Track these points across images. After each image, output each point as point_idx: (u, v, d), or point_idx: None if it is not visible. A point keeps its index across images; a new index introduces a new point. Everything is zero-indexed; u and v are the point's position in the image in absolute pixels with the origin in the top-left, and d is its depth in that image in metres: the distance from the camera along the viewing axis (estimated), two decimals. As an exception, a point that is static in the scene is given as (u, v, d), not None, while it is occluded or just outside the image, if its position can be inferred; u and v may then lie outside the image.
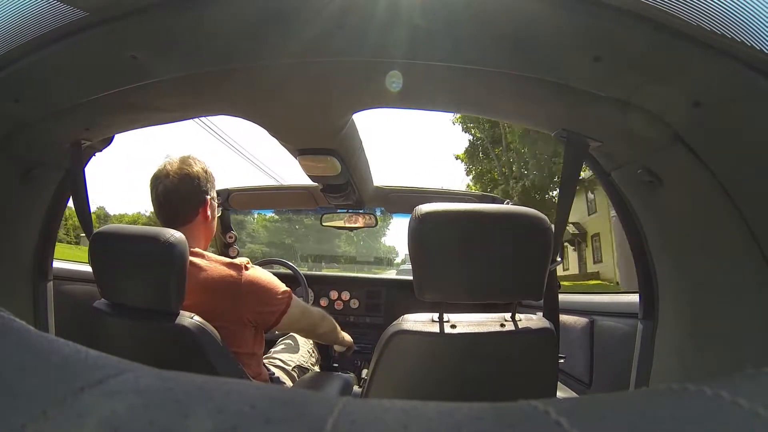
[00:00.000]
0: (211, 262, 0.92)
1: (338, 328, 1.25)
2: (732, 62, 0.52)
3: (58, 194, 1.10)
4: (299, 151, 1.12)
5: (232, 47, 0.67)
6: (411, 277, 0.72)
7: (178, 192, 0.95)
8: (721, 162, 0.65)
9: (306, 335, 1.37)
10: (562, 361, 0.82)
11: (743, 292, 0.67)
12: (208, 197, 0.99)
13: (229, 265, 0.92)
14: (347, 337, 1.33)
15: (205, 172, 1.00)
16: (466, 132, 14.81)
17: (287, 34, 0.63)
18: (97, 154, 1.07)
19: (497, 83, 0.71)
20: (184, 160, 0.98)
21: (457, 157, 15.11)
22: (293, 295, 0.99)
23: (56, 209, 1.11)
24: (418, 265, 0.69)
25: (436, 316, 0.73)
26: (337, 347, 1.38)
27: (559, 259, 0.84)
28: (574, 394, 1.26)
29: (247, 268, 0.92)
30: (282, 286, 0.97)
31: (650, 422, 0.13)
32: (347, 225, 1.95)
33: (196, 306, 0.84)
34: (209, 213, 1.00)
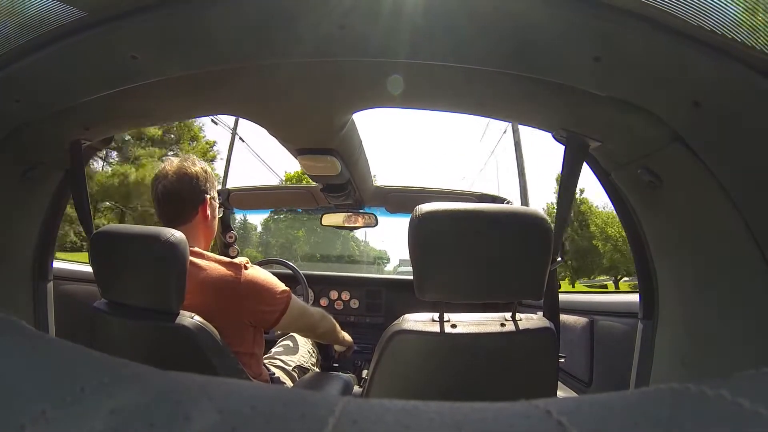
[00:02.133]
0: (210, 262, 0.92)
1: (338, 327, 1.25)
2: (732, 62, 0.52)
3: (58, 194, 1.10)
4: (299, 150, 1.12)
5: (232, 47, 0.67)
6: (410, 278, 0.72)
7: (177, 191, 0.96)
8: (721, 162, 0.64)
9: (306, 335, 1.37)
10: (562, 360, 0.83)
11: (743, 292, 0.67)
12: (208, 197, 1.00)
13: (228, 265, 0.92)
14: (347, 336, 1.33)
15: (205, 172, 1.01)
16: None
17: (288, 34, 0.63)
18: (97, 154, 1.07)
19: (497, 83, 0.71)
20: (184, 160, 0.99)
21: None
22: (292, 294, 0.99)
23: (56, 209, 1.11)
24: (418, 265, 0.69)
25: (436, 315, 0.73)
26: (337, 347, 1.38)
27: (559, 258, 0.84)
28: (574, 394, 1.26)
29: (246, 268, 0.93)
30: (281, 286, 0.97)
31: (651, 422, 0.13)
32: (347, 225, 1.95)
33: (196, 306, 0.84)
34: (209, 212, 1.00)
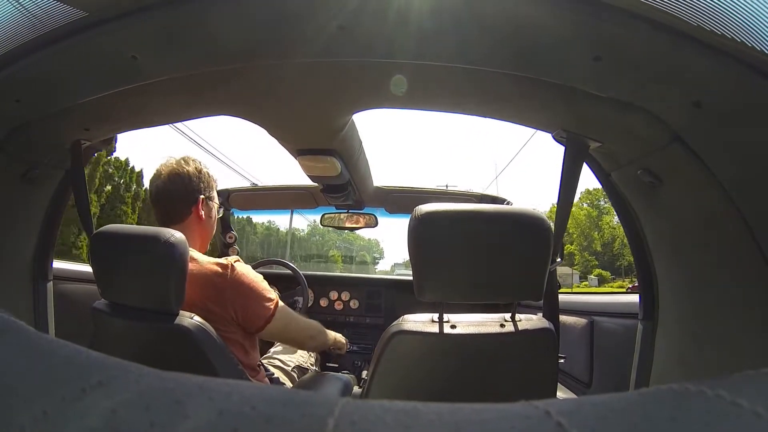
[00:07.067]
0: (199, 262, 0.92)
1: (330, 337, 1.23)
2: (732, 62, 0.52)
3: (58, 194, 1.10)
4: (299, 151, 1.12)
5: (232, 48, 0.67)
6: (410, 278, 0.72)
7: (169, 191, 0.96)
8: (721, 162, 0.64)
9: (293, 347, 1.36)
10: (562, 361, 0.82)
11: (743, 292, 0.67)
12: (201, 196, 0.99)
13: (218, 264, 0.92)
14: (339, 338, 1.30)
15: (199, 171, 1.00)
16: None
17: (289, 35, 0.63)
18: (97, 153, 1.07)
19: (497, 84, 0.71)
20: (179, 161, 0.99)
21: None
22: (281, 302, 0.99)
23: (56, 209, 1.11)
24: (417, 265, 0.69)
25: (436, 316, 0.73)
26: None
27: (559, 259, 0.84)
28: (574, 395, 1.26)
29: (234, 267, 0.92)
30: (269, 292, 0.97)
31: (650, 423, 0.13)
32: (347, 225, 1.95)
33: (187, 305, 0.84)
34: (203, 213, 1.00)
